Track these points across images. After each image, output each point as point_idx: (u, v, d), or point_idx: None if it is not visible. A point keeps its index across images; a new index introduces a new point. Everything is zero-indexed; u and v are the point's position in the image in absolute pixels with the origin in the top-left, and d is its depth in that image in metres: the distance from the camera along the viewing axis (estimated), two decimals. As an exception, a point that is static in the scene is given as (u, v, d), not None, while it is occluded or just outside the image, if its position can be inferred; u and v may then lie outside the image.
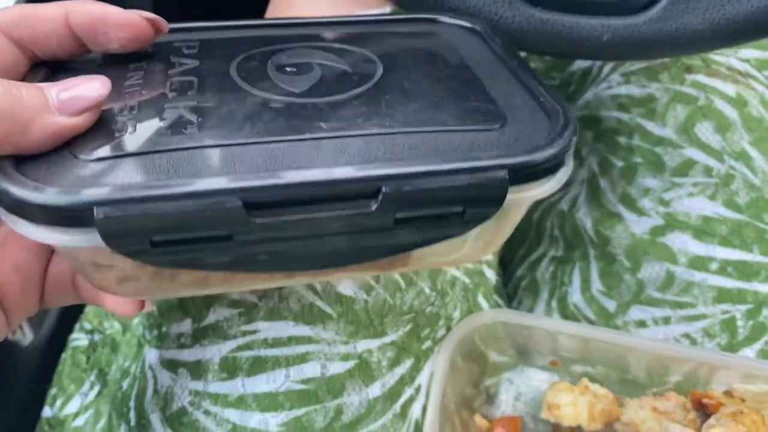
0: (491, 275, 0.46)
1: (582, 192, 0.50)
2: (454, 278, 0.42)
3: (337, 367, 0.36)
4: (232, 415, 0.35)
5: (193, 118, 0.24)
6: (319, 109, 0.25)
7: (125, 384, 0.41)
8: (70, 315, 0.48)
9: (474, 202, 0.23)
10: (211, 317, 0.37)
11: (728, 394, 0.39)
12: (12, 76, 0.24)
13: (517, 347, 0.44)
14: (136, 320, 0.45)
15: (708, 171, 0.45)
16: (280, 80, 0.27)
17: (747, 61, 0.49)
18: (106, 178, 0.21)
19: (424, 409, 0.39)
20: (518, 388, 0.45)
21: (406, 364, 0.38)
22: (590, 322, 0.46)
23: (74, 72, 0.24)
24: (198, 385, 0.36)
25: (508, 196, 0.23)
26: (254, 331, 0.36)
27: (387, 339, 0.38)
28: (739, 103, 0.47)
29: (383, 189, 0.22)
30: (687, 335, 0.43)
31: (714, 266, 0.44)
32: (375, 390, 0.37)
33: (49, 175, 0.21)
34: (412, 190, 0.22)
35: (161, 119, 0.24)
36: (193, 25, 0.31)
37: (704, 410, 0.39)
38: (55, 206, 0.20)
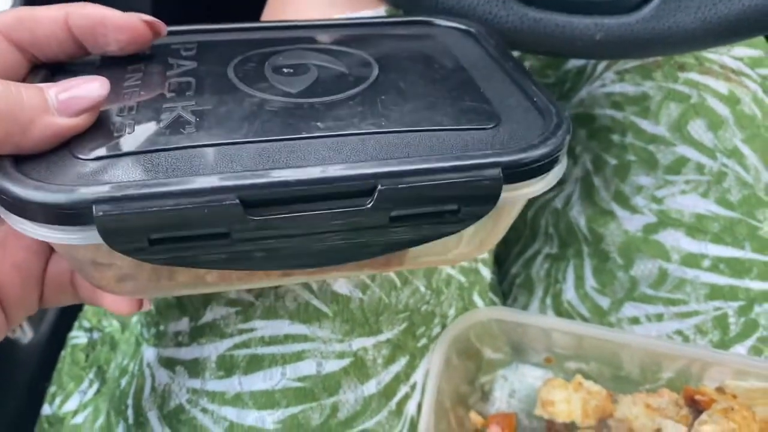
0: (486, 273, 0.46)
1: (576, 190, 0.50)
2: (450, 277, 0.42)
3: (332, 365, 0.36)
4: (229, 412, 0.35)
5: (191, 118, 0.24)
6: (316, 110, 0.25)
7: (123, 382, 0.41)
8: (70, 313, 0.49)
9: (468, 200, 0.23)
10: (209, 316, 0.37)
11: (720, 390, 0.40)
12: (12, 77, 0.24)
13: (512, 344, 0.44)
14: (134, 318, 0.45)
15: (700, 168, 0.45)
16: (277, 81, 0.27)
17: (740, 59, 0.49)
18: (105, 176, 0.21)
19: (420, 406, 0.39)
20: (513, 385, 0.45)
21: (402, 362, 0.39)
22: (584, 319, 0.47)
23: (73, 73, 0.25)
24: (195, 383, 0.36)
25: (503, 194, 0.23)
26: (251, 330, 0.36)
27: (382, 337, 0.38)
28: (732, 100, 0.47)
29: (378, 187, 0.22)
30: (680, 332, 0.44)
31: (706, 263, 0.44)
32: (370, 387, 0.37)
33: (49, 174, 0.21)
34: (407, 188, 0.22)
35: (159, 119, 0.24)
36: (191, 28, 0.31)
37: (696, 406, 0.39)
38: (54, 204, 0.20)
